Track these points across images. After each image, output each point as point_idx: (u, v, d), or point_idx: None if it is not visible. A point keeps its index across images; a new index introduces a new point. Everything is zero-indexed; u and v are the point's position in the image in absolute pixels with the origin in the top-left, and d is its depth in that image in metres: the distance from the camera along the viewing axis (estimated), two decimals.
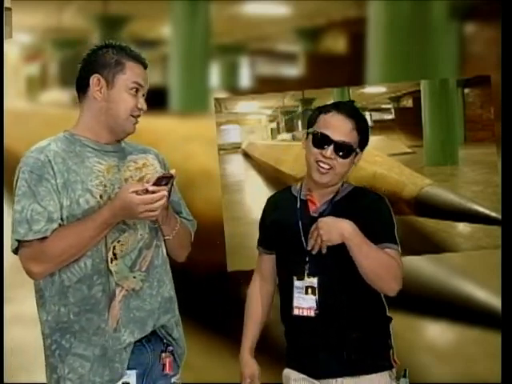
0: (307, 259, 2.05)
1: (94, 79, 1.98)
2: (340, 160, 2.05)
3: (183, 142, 3.49)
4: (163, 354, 2.06)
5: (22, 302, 3.47)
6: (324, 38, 3.86)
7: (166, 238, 2.07)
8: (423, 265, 3.54)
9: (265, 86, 3.79)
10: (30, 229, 1.87)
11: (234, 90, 3.82)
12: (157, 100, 3.52)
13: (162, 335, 2.07)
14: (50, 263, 1.89)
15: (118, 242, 1.96)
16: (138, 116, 2.01)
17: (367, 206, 2.08)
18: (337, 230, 1.97)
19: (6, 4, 3.60)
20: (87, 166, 1.95)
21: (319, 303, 2.04)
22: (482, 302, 3.43)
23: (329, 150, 2.03)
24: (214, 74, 3.79)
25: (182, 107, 3.76)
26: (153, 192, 1.83)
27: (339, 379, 2.04)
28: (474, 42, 3.77)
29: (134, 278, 1.97)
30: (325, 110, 2.11)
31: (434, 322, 3.63)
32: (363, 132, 2.10)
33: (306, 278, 2.05)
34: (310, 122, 2.13)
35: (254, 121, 4.02)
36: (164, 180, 1.86)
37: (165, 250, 2.09)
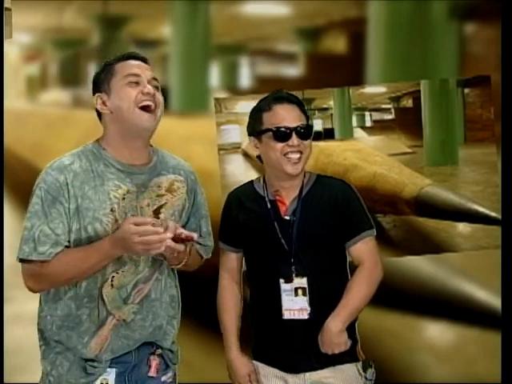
0: (292, 261, 2.07)
1: (96, 99, 1.99)
2: (305, 143, 2.10)
3: (183, 142, 3.48)
4: (151, 357, 2.04)
5: (22, 302, 3.47)
6: (324, 38, 3.86)
7: (172, 267, 2.05)
8: (423, 265, 3.54)
9: (265, 85, 3.78)
10: (35, 249, 1.88)
11: (234, 90, 3.82)
12: None
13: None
14: (47, 284, 1.92)
15: (117, 273, 1.95)
16: (148, 107, 1.95)
17: (336, 200, 2.11)
18: (336, 341, 2.03)
19: (6, 4, 3.60)
20: (104, 189, 1.92)
21: (310, 303, 2.06)
22: (482, 302, 3.42)
23: (294, 139, 2.07)
24: (214, 74, 3.79)
25: (182, 107, 3.75)
26: (153, 225, 1.79)
27: (308, 373, 2.08)
28: (474, 42, 3.77)
29: (127, 309, 1.96)
30: (265, 107, 2.13)
31: (434, 322, 3.63)
32: (305, 111, 2.15)
33: (294, 279, 2.06)
34: (256, 124, 2.13)
35: None
36: (183, 239, 1.83)
37: (164, 280, 2.04)
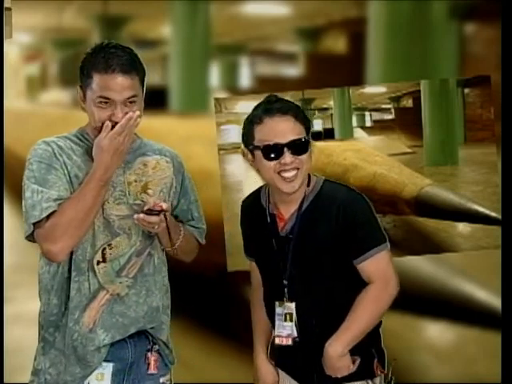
0: (285, 282, 1.96)
1: (77, 90, 1.98)
2: (301, 157, 1.90)
3: (183, 142, 3.48)
4: (149, 353, 2.02)
5: (22, 302, 3.48)
6: (324, 38, 3.86)
7: (166, 250, 2.05)
8: (423, 265, 3.54)
9: (265, 85, 3.78)
10: (42, 208, 1.84)
11: (234, 90, 3.82)
12: (157, 100, 3.52)
13: (147, 333, 2.03)
14: (64, 235, 1.84)
15: (109, 245, 1.94)
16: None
17: (338, 214, 1.91)
18: (337, 365, 1.92)
19: (6, 4, 3.60)
20: (91, 165, 1.92)
21: (299, 329, 1.95)
22: (482, 301, 3.43)
23: (287, 157, 1.87)
24: (214, 74, 3.79)
25: (182, 107, 3.75)
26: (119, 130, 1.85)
27: None
28: (474, 42, 3.77)
29: (120, 283, 1.96)
30: (256, 119, 1.93)
31: (434, 322, 3.63)
32: (303, 116, 1.94)
33: (285, 303, 1.96)
34: (248, 138, 1.95)
35: None
36: (154, 211, 1.85)
37: (157, 260, 2.04)
